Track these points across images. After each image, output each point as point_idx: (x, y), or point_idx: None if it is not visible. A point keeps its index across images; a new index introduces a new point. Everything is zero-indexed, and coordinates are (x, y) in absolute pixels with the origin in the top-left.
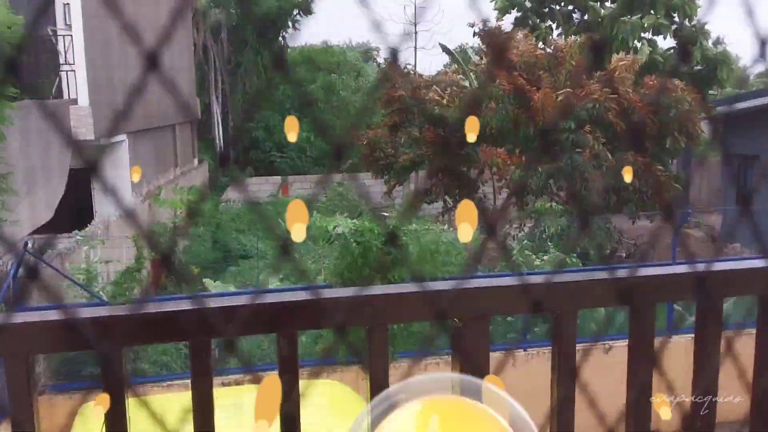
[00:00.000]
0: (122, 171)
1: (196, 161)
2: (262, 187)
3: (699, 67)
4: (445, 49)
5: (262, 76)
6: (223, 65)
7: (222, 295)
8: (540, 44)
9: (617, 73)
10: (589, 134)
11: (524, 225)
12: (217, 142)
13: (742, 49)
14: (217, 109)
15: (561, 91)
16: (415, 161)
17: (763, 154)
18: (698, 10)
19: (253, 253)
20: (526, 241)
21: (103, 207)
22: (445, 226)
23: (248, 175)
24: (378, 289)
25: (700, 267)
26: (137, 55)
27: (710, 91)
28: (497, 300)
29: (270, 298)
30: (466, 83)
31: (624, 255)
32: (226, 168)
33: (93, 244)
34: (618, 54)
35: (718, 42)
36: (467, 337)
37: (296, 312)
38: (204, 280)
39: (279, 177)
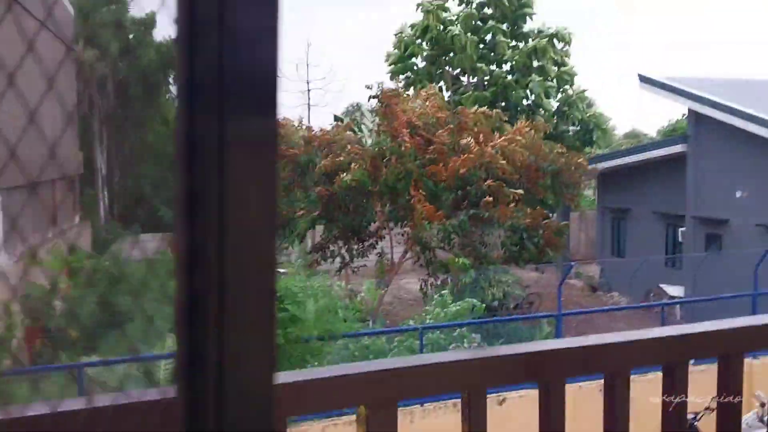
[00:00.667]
0: None
1: (77, 218)
2: (149, 244)
3: (576, 128)
4: (337, 119)
5: (151, 130)
6: (108, 119)
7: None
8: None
9: (514, 144)
10: (487, 190)
11: (433, 279)
12: (101, 197)
13: (608, 111)
14: (101, 164)
15: (462, 155)
16: (312, 218)
17: (634, 207)
18: (575, 77)
19: (140, 315)
20: (446, 292)
21: None
22: (342, 283)
23: (135, 232)
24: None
25: (591, 340)
26: (10, 102)
27: (586, 149)
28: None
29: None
30: (364, 140)
31: (512, 306)
32: (109, 225)
33: None
34: (517, 123)
35: (590, 105)
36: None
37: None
38: (83, 358)
39: (169, 234)
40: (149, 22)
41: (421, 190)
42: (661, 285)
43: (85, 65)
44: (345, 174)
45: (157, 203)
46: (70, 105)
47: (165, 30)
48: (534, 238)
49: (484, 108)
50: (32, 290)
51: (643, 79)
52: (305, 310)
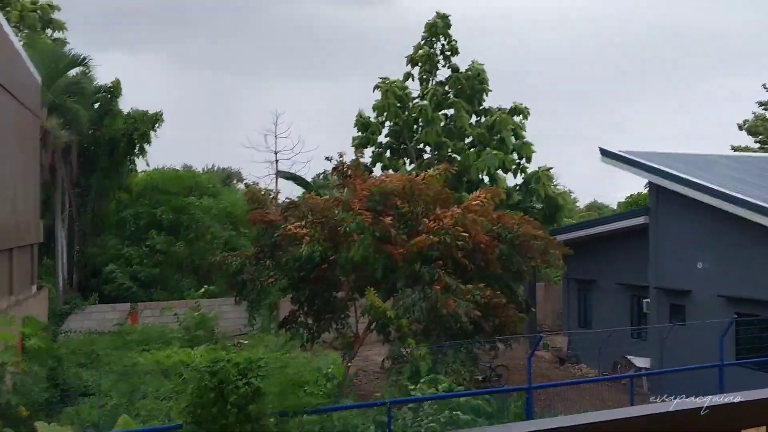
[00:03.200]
0: None
1: (34, 288)
2: (108, 315)
3: (540, 205)
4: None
5: (113, 200)
6: (71, 187)
7: None
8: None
9: (472, 214)
10: (441, 269)
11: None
12: (60, 267)
13: (570, 182)
14: (62, 233)
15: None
16: (282, 287)
17: (599, 278)
18: (533, 153)
19: (95, 390)
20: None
21: None
22: (309, 354)
23: (93, 302)
24: None
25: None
26: None
27: (549, 227)
28: None
29: None
30: (336, 212)
31: (481, 378)
32: (68, 295)
33: None
34: (476, 191)
35: (551, 180)
36: None
37: None
38: (36, 423)
39: (128, 304)
40: (115, 90)
41: (380, 263)
42: (628, 356)
43: (48, 133)
44: (303, 247)
45: (117, 273)
46: (33, 173)
47: (131, 98)
48: (496, 316)
49: (431, 171)
50: None
51: (604, 153)
52: (269, 383)
